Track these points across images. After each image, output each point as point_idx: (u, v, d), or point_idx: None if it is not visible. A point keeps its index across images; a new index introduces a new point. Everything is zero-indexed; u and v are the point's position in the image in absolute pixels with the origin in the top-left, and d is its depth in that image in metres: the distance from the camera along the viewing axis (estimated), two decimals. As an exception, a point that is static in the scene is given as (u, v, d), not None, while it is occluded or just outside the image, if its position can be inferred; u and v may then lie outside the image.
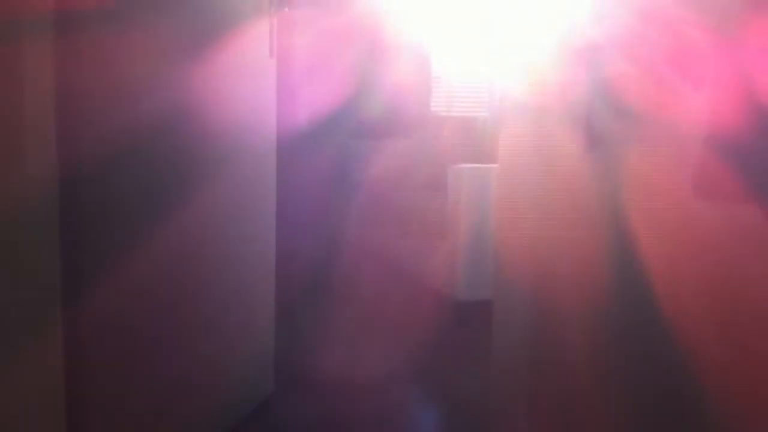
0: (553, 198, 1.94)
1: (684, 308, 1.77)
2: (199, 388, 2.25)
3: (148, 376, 2.01)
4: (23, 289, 1.56)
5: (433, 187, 3.83)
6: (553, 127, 1.94)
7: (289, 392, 2.77)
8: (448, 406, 2.79)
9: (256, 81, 2.56)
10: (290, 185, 3.16)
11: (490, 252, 2.85)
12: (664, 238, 1.83)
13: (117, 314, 1.85)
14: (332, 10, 3.56)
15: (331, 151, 3.58)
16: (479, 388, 2.31)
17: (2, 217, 1.51)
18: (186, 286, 2.16)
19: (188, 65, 2.11)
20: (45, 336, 1.63)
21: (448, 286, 3.72)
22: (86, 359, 1.76)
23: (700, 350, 1.74)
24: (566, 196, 1.93)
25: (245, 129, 2.49)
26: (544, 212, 1.95)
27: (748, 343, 1.70)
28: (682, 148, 1.80)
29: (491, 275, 2.29)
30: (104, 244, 1.82)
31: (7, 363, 1.53)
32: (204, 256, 2.25)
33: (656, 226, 1.84)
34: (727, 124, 1.71)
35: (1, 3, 1.50)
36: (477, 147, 3.93)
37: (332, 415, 2.63)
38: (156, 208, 2.00)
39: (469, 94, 4.07)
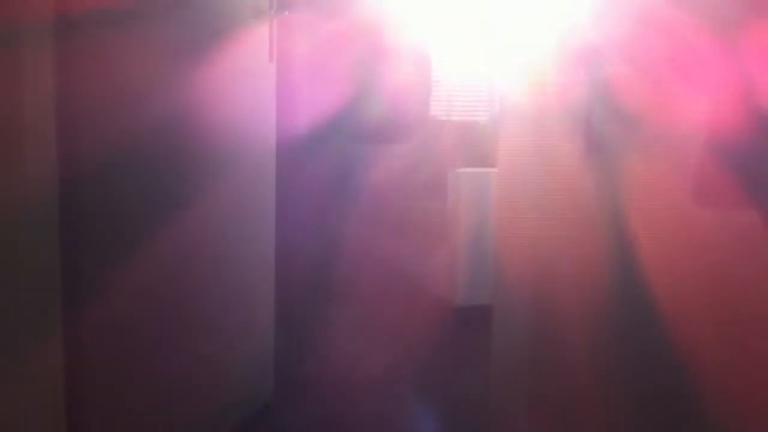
0: (553, 198, 1.95)
1: (683, 308, 1.77)
2: (199, 389, 2.25)
3: (148, 376, 2.01)
4: (23, 289, 1.56)
5: (432, 190, 3.83)
6: (553, 128, 1.94)
7: (289, 392, 2.77)
8: (448, 406, 2.79)
9: (256, 84, 2.56)
10: (290, 188, 3.16)
11: (489, 255, 2.84)
12: (664, 239, 1.83)
13: (117, 314, 1.85)
14: (332, 14, 3.56)
15: (331, 155, 3.58)
16: (479, 388, 2.31)
17: (2, 217, 1.51)
18: (186, 286, 2.16)
19: (189, 68, 2.12)
20: (45, 336, 1.63)
21: (448, 290, 3.72)
22: (86, 359, 1.76)
23: (699, 350, 1.74)
24: (566, 196, 1.93)
25: (245, 131, 2.49)
26: (544, 212, 1.95)
27: (747, 343, 1.71)
28: (681, 149, 1.81)
29: (491, 277, 2.29)
30: (104, 244, 1.82)
31: (7, 363, 1.53)
32: (204, 256, 2.25)
33: (656, 226, 1.84)
34: (725, 125, 1.71)
35: (1, 4, 1.50)
36: (477, 151, 3.93)
37: (332, 415, 2.63)
38: (156, 208, 2.00)
39: (469, 98, 4.07)
